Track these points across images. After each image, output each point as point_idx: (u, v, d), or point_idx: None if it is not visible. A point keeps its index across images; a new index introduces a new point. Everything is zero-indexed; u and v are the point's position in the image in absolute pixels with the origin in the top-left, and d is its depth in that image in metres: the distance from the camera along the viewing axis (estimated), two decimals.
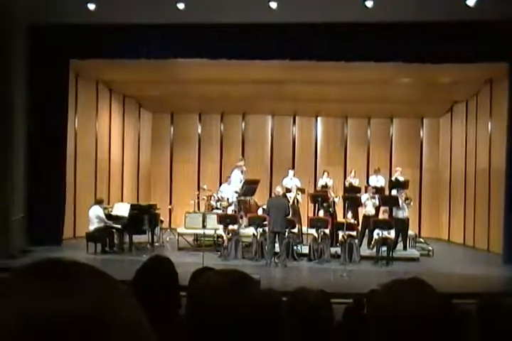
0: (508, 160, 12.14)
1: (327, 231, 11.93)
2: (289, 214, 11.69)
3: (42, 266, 0.61)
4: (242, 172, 14.97)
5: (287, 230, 11.68)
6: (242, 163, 15.14)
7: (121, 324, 0.57)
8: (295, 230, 12.48)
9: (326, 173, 14.63)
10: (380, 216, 12.75)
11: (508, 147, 12.21)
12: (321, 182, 14.58)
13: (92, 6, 11.34)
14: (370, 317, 1.22)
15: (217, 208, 13.98)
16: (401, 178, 14.18)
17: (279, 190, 12.03)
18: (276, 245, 11.40)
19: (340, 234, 11.85)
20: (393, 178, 14.37)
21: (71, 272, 0.61)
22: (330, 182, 14.31)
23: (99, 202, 12.54)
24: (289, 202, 12.50)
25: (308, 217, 12.82)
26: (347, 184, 14.52)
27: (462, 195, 15.75)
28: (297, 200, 13.67)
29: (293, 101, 16.74)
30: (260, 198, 14.54)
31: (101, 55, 12.59)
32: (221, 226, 12.31)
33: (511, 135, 12.08)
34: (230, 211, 13.30)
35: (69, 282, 0.59)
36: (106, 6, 11.29)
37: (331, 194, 13.45)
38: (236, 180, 14.63)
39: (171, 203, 16.40)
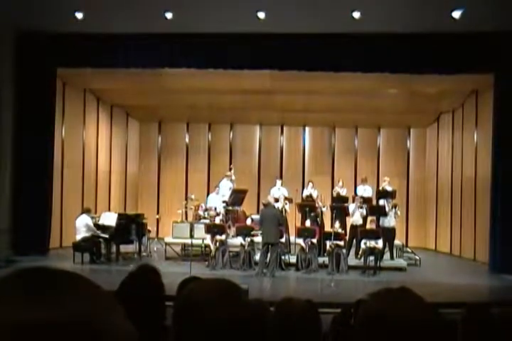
0: (494, 169, 12.25)
1: (315, 241, 11.93)
2: (282, 224, 11.64)
3: (29, 274, 0.61)
4: (231, 181, 14.96)
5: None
6: (230, 172, 15.14)
7: (109, 331, 0.57)
8: (283, 240, 12.46)
9: (310, 184, 14.33)
10: (368, 226, 12.78)
11: (493, 157, 12.32)
12: (305, 193, 14.24)
13: (80, 15, 11.32)
14: (357, 326, 1.22)
15: (204, 218, 13.93)
16: (389, 188, 14.15)
17: (269, 201, 11.87)
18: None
19: (328, 243, 11.85)
20: (381, 188, 14.39)
21: (58, 280, 0.61)
22: (315, 193, 14.01)
23: (86, 211, 12.45)
24: (280, 212, 12.47)
25: (295, 226, 12.81)
26: (334, 194, 14.46)
27: (449, 205, 15.84)
28: (285, 210, 13.64)
29: (281, 111, 16.79)
30: (248, 208, 14.51)
31: (89, 64, 12.57)
32: (209, 236, 12.26)
33: (497, 145, 12.20)
34: (217, 221, 13.26)
35: (56, 290, 0.59)
36: (94, 15, 11.28)
37: (319, 204, 13.45)
38: (225, 189, 14.61)
39: (158, 213, 16.35)
